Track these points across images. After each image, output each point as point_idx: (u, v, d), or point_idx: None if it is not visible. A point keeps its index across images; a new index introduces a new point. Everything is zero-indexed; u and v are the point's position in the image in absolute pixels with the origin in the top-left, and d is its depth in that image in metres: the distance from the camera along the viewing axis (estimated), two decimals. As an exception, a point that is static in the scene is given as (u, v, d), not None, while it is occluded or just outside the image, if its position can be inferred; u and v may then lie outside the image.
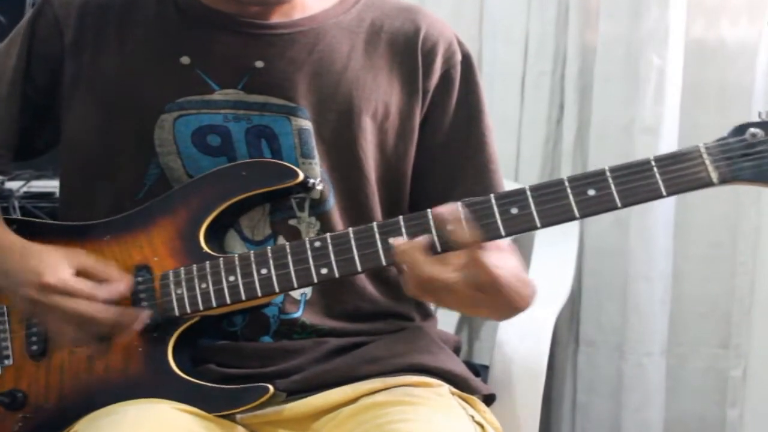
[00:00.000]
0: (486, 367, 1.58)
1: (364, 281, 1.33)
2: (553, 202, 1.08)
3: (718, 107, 2.05)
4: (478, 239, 1.08)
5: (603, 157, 2.08)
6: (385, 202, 1.34)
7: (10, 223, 1.33)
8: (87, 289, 1.21)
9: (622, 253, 2.09)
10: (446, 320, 1.89)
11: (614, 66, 2.09)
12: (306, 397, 1.25)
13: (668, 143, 2.00)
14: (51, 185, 1.95)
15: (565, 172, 2.14)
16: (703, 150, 1.05)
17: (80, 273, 1.23)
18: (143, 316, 1.22)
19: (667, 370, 2.09)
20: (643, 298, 2.05)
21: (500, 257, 1.09)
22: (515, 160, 2.19)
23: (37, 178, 2.02)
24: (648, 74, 2.01)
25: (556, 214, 1.08)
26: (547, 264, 1.92)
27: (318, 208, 1.30)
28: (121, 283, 1.23)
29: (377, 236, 1.14)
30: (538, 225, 1.09)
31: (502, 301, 1.11)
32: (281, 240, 1.28)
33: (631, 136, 2.05)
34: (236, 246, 1.28)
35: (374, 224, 1.15)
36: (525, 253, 2.02)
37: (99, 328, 1.21)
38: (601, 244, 2.13)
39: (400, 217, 1.14)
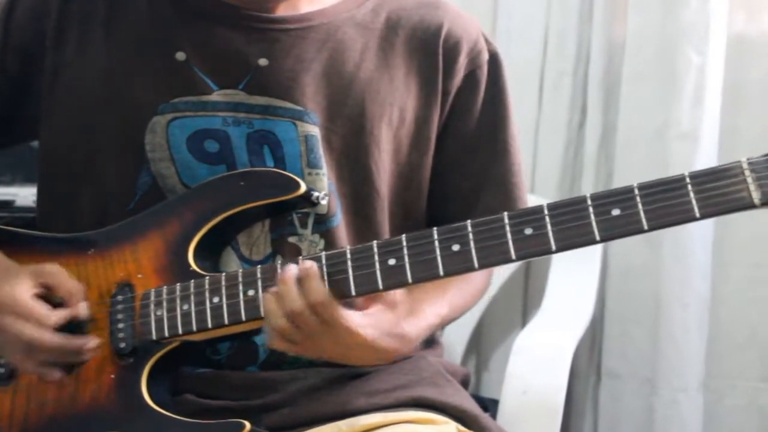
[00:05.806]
0: (496, 402, 1.57)
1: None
2: (572, 222, 1.07)
3: (762, 110, 2.04)
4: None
5: (630, 167, 2.08)
6: (396, 219, 1.34)
7: None
8: (37, 313, 1.21)
9: (653, 274, 2.09)
10: (452, 349, 1.88)
11: (645, 64, 2.09)
12: (294, 433, 1.25)
13: (707, 150, 2.01)
14: (9, 192, 1.96)
15: (587, 182, 2.14)
16: (745, 165, 1.02)
17: (44, 292, 1.23)
18: (90, 345, 1.22)
19: (704, 407, 2.08)
20: (676, 325, 2.05)
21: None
22: (531, 169, 2.20)
23: (-7, 185, 2.03)
24: (685, 73, 2.02)
25: (574, 237, 1.07)
26: (565, 284, 1.92)
27: (323, 224, 1.29)
28: (78, 308, 1.23)
29: (376, 256, 1.13)
30: (553, 248, 1.07)
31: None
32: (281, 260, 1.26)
33: (664, 142, 2.06)
34: (232, 266, 1.27)
35: (374, 243, 1.14)
36: (541, 272, 2.03)
37: (44, 355, 1.21)
38: (627, 262, 2.13)
39: (403, 236, 1.13)
